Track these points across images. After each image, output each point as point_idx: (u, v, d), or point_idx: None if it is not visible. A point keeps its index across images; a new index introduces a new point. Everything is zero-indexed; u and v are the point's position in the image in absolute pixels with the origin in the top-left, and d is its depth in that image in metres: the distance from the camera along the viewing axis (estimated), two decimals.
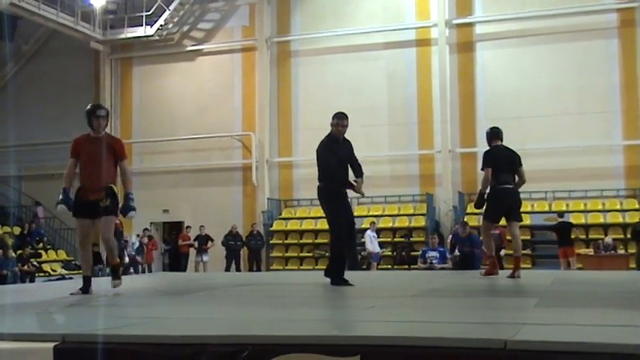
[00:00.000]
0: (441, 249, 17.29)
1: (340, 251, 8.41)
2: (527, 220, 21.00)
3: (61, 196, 7.57)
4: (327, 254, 22.66)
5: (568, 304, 5.93)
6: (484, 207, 9.62)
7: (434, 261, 16.53)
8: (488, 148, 9.72)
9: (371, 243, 20.29)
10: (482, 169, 9.60)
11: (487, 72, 22.58)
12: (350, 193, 8.53)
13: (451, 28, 22.90)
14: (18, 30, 24.08)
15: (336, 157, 8.35)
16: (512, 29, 22.45)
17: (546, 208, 21.33)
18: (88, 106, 7.92)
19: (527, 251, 20.82)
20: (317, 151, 8.57)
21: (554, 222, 18.45)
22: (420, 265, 17.09)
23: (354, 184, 8.45)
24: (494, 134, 9.75)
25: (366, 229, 20.72)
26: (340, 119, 8.56)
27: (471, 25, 22.95)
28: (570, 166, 21.30)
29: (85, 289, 7.50)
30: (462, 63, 22.85)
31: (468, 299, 6.75)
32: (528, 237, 20.96)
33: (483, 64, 22.66)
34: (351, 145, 8.72)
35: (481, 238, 9.86)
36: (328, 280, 8.25)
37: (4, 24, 22.47)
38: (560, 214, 18.66)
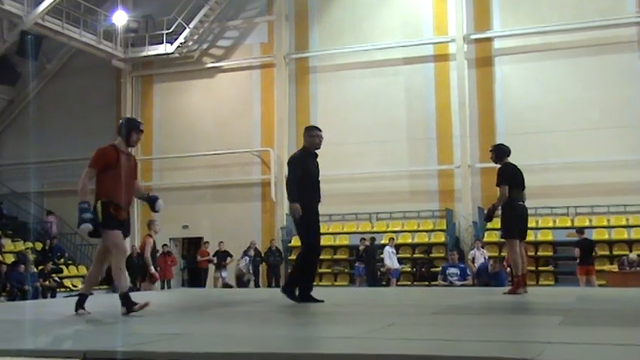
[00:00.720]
0: (462, 265, 17.13)
1: (308, 262, 8.26)
2: (548, 236, 20.89)
3: (89, 215, 6.95)
4: (345, 270, 22.71)
5: (593, 323, 5.85)
6: (502, 224, 9.66)
7: (454, 278, 16.37)
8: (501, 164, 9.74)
9: (390, 259, 20.19)
10: (498, 186, 9.66)
11: (506, 86, 22.50)
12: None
13: (469, 43, 22.86)
14: (42, 49, 24.36)
15: (309, 172, 8.27)
16: (531, 43, 22.37)
17: (568, 224, 21.11)
18: (129, 119, 7.57)
19: (550, 268, 20.66)
20: (289, 164, 8.36)
21: (577, 237, 18.23)
22: (440, 282, 16.95)
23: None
24: (506, 151, 9.94)
25: (384, 245, 20.64)
26: (317, 130, 8.44)
27: (489, 39, 22.89)
28: (593, 180, 21.08)
29: (82, 306, 7.12)
30: (481, 78, 22.78)
31: (490, 317, 6.67)
32: (550, 253, 20.81)
33: (502, 78, 22.58)
34: (317, 162, 8.51)
35: (507, 257, 9.82)
36: (343, 297, 8.22)
37: (28, 43, 22.74)
38: (580, 230, 18.43)
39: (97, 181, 7.11)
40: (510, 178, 9.59)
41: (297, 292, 8.04)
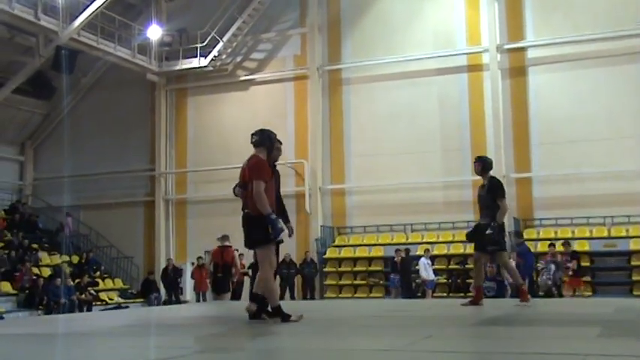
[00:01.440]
0: (499, 279, 16.66)
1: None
2: (585, 247, 20.60)
3: (279, 225, 7.01)
4: (380, 282, 22.61)
5: (633, 334, 5.74)
6: (492, 238, 9.52)
7: (490, 293, 15.90)
8: (500, 175, 9.96)
9: (425, 270, 20.06)
10: (497, 200, 9.64)
11: (540, 96, 22.29)
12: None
13: (503, 53, 22.70)
14: (77, 63, 24.72)
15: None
16: (565, 53, 22.15)
17: (605, 234, 20.82)
18: (271, 133, 7.54)
19: (587, 278, 20.35)
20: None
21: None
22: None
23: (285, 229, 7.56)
24: (492, 164, 10.05)
25: (420, 257, 20.52)
26: (279, 142, 7.76)
27: (522, 49, 22.71)
28: (629, 190, 20.75)
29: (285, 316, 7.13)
30: (515, 88, 22.60)
31: (528, 328, 6.59)
32: (588, 264, 20.51)
33: (536, 88, 22.38)
34: (278, 174, 7.90)
35: (507, 273, 9.72)
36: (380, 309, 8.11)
37: (63, 58, 23.10)
38: (569, 242, 18.10)
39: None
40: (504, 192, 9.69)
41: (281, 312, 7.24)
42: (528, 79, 22.50)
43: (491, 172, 9.90)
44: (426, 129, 23.02)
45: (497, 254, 9.67)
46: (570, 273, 17.17)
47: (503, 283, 16.49)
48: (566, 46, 22.08)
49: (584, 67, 21.82)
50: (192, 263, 22.92)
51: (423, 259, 20.21)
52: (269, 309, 7.30)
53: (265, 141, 7.37)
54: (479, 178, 23.77)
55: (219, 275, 15.58)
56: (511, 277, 9.73)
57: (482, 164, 9.87)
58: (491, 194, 9.63)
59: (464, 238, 22.04)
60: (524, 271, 15.03)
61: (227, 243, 15.69)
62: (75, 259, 24.71)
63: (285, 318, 7.01)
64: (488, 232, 9.44)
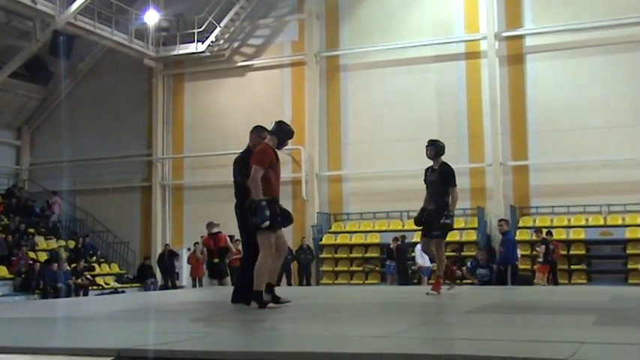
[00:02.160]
0: (492, 265, 16.63)
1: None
2: (581, 235, 20.66)
3: (267, 212, 7.06)
4: (376, 268, 22.67)
5: (629, 322, 5.77)
6: (439, 223, 9.21)
7: (484, 279, 15.85)
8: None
9: (421, 257, 20.08)
10: (449, 187, 9.48)
11: (538, 84, 22.27)
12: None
13: (501, 41, 22.66)
14: (74, 48, 24.63)
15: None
16: (563, 41, 22.11)
17: (601, 222, 20.88)
18: (287, 125, 7.73)
19: (583, 266, 20.43)
20: (236, 164, 7.90)
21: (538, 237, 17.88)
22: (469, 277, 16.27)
23: None
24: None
25: (416, 244, 20.55)
26: (266, 131, 7.71)
27: (520, 37, 22.66)
28: (626, 178, 20.78)
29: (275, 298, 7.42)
30: (513, 75, 22.58)
31: (522, 316, 6.62)
32: (583, 252, 20.58)
33: (534, 76, 22.36)
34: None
35: (437, 256, 9.30)
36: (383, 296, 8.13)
37: (60, 42, 23.00)
38: (540, 230, 18.12)
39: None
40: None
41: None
42: (526, 66, 22.48)
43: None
44: (423, 116, 22.99)
45: (436, 240, 9.31)
46: (540, 259, 17.23)
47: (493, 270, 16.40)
48: (564, 34, 22.04)
49: (583, 55, 21.80)
50: (189, 249, 22.95)
51: (419, 245, 20.20)
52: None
53: (279, 132, 7.53)
54: (476, 165, 23.87)
55: (215, 261, 15.72)
56: (437, 265, 9.36)
57: (436, 149, 9.61)
58: (443, 181, 9.40)
59: (460, 225, 22.21)
60: (502, 260, 14.94)
61: (215, 229, 16.05)
62: (71, 243, 24.73)
63: (263, 305, 7.03)
64: (446, 221, 9.15)
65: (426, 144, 9.75)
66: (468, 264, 14.96)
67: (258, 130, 7.83)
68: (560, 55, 22.16)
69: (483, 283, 14.97)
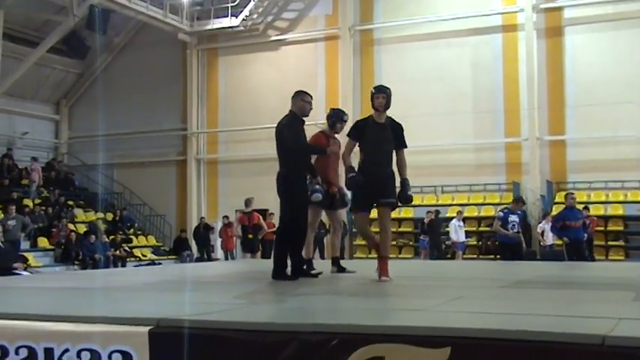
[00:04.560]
0: (520, 212, 15.57)
1: (284, 240, 7.49)
2: (619, 211, 20.41)
3: (319, 186, 7.69)
4: (410, 243, 22.65)
5: None
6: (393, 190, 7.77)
7: (516, 226, 14.99)
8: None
9: (455, 232, 20.03)
10: (402, 150, 7.66)
11: (577, 57, 21.90)
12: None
13: (539, 13, 22.29)
14: (110, 22, 24.81)
15: (303, 140, 7.58)
16: (603, 12, 21.67)
17: (639, 198, 20.59)
18: (338, 111, 8.75)
19: (620, 242, 20.21)
20: (279, 131, 7.54)
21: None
22: (500, 229, 15.07)
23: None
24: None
25: (450, 219, 20.50)
26: (309, 95, 7.65)
27: (559, 9, 22.28)
28: None
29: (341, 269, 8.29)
30: (551, 48, 22.23)
31: (559, 291, 6.58)
32: (621, 228, 20.34)
33: (573, 49, 21.98)
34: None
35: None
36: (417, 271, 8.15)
37: (97, 17, 23.17)
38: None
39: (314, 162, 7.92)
40: None
41: (289, 272, 7.46)
42: (564, 39, 22.11)
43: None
44: (458, 90, 22.79)
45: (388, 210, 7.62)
46: None
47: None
48: (604, 6, 21.63)
49: (623, 27, 21.37)
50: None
51: (454, 220, 20.17)
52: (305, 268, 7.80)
53: (330, 118, 8.49)
54: (512, 140, 23.46)
55: (249, 237, 16.38)
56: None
57: (388, 97, 7.53)
58: (397, 140, 7.49)
59: (495, 201, 22.06)
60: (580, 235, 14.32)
61: (249, 209, 17.13)
62: (109, 216, 25.12)
63: (279, 277, 7.30)
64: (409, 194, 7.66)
65: (377, 91, 7.64)
66: (501, 213, 14.41)
67: (299, 94, 7.73)
68: (600, 28, 21.75)
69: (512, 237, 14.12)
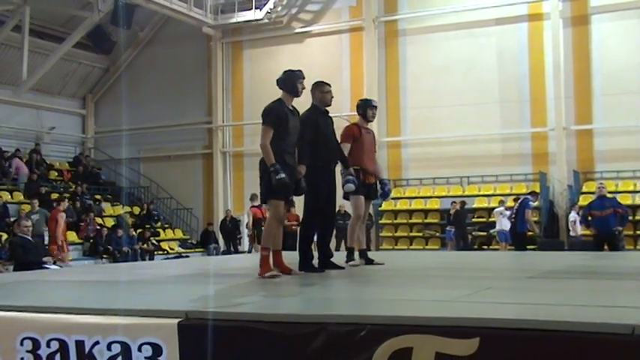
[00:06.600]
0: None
1: (310, 230, 7.59)
2: None
3: (352, 177, 7.77)
4: (436, 234, 22.57)
5: None
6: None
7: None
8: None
9: (499, 222, 19.65)
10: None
11: (604, 46, 21.63)
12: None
13: (565, 2, 22.05)
14: (135, 17, 24.97)
15: (322, 131, 7.51)
16: (629, 0, 21.37)
17: None
18: (367, 101, 8.68)
19: None
20: (302, 122, 7.48)
21: None
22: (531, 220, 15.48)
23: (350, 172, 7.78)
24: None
25: (476, 210, 20.36)
26: (328, 85, 7.69)
27: None
28: None
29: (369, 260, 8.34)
30: (577, 37, 21.99)
31: (588, 281, 6.53)
32: None
33: (600, 37, 21.72)
34: (332, 120, 7.75)
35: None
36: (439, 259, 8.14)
37: (121, 12, 23.33)
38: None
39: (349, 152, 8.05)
40: None
41: (315, 264, 7.51)
42: (591, 27, 21.85)
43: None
44: (484, 80, 22.64)
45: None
46: None
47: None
48: None
49: None
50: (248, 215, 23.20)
51: (500, 208, 19.67)
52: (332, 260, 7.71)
53: (360, 106, 8.57)
54: (538, 129, 23.33)
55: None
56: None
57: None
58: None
59: (522, 191, 21.84)
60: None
61: (255, 203, 17.30)
62: (136, 210, 25.33)
63: (306, 268, 7.31)
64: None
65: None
66: (530, 203, 14.70)
67: (318, 85, 7.75)
68: (626, 15, 21.46)
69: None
